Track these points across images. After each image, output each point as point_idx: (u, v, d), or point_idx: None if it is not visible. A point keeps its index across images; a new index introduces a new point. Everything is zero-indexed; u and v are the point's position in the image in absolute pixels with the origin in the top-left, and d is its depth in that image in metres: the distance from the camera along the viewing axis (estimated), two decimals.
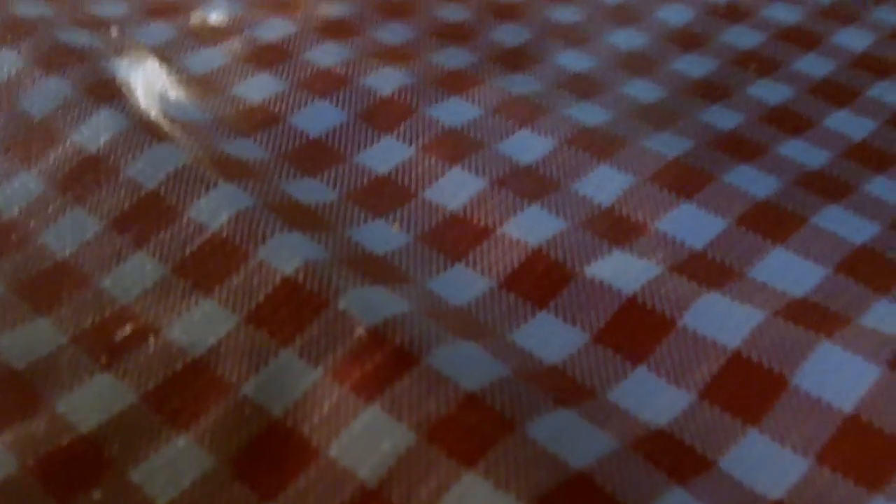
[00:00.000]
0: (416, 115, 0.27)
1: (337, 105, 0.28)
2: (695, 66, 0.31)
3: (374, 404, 0.19)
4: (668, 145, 0.27)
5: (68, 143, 0.25)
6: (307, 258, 0.22)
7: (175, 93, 0.28)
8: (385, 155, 0.26)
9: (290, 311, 0.21)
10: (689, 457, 0.19)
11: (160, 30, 0.31)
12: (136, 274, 0.22)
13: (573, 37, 0.32)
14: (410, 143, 0.27)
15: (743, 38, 0.33)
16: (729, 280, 0.23)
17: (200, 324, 0.21)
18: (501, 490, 0.17)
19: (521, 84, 0.29)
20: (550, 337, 0.22)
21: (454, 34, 0.32)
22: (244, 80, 0.29)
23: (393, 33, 0.31)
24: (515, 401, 0.19)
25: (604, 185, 0.25)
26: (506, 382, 0.19)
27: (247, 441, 0.19)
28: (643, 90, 0.30)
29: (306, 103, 0.28)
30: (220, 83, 0.29)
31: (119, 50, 0.29)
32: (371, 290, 0.21)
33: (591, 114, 0.28)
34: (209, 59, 0.30)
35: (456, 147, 0.26)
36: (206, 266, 0.22)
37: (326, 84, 0.29)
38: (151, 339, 0.21)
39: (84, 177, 0.24)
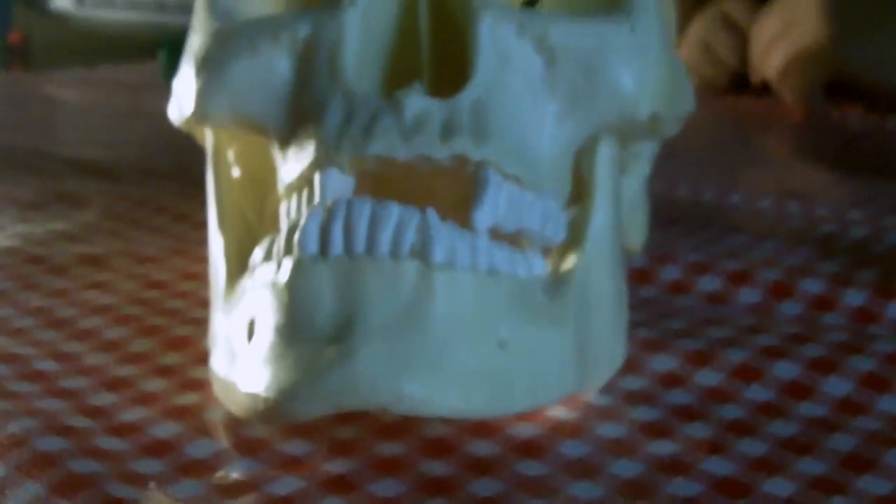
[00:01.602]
0: None
1: None
2: None
3: None
4: None
5: None
6: None
7: None
8: None
9: None
10: None
11: (190, 485, 0.37)
12: None
13: (539, 489, 0.38)
14: None
15: (684, 488, 0.38)
16: None
17: None
18: None
19: None
20: None
21: (437, 488, 0.38)
22: None
23: (386, 488, 0.37)
24: None
25: None
26: None
27: None
28: None
29: None
30: None
31: None
32: None
33: None
34: None
35: None
36: None
37: None
38: None
39: None
